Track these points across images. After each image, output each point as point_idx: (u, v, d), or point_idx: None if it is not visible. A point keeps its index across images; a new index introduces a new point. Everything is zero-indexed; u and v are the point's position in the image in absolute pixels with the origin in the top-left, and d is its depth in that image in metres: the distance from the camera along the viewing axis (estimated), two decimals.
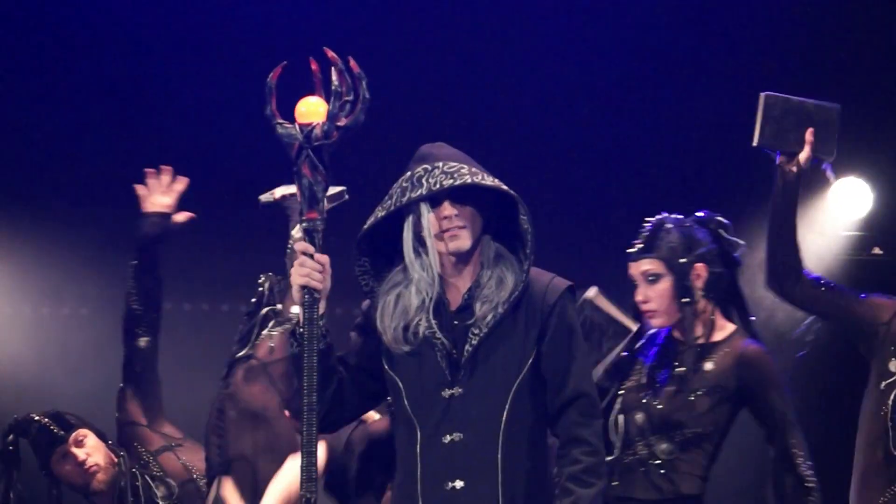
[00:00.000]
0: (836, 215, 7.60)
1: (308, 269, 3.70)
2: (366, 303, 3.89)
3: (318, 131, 3.70)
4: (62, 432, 5.17)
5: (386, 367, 3.83)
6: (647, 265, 4.68)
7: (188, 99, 7.15)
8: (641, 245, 4.71)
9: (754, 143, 4.83)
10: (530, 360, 3.76)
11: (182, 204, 5.40)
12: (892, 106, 7.39)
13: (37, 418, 5.20)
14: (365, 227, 3.80)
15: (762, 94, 4.83)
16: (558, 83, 7.36)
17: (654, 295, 4.68)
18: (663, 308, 4.69)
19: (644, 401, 4.66)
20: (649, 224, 4.74)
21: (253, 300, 5.16)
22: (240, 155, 6.99)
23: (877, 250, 7.55)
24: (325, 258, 3.73)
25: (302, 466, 3.69)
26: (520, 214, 3.77)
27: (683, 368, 4.67)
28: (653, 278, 4.67)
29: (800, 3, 7.37)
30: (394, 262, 3.84)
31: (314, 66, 3.73)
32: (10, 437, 5.17)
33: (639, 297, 4.70)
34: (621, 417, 4.67)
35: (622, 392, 4.70)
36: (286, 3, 7.19)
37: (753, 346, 4.69)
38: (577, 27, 7.36)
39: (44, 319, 7.48)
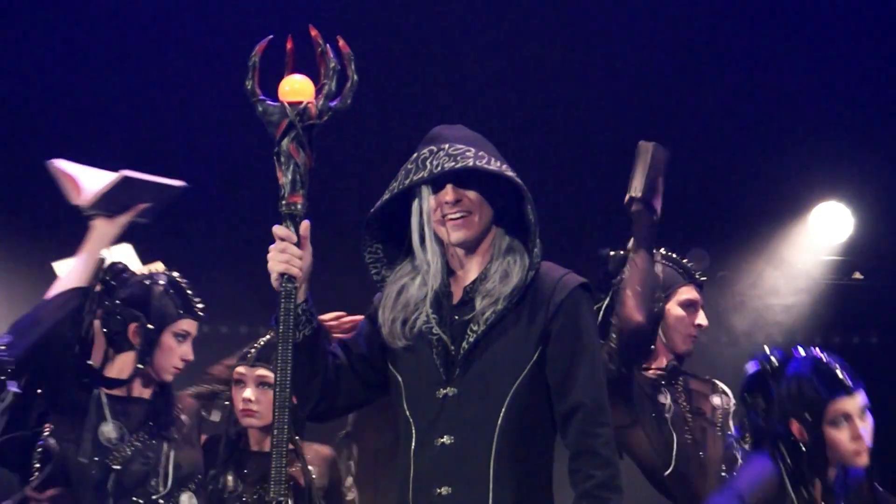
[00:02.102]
0: (816, 240, 7.57)
1: (289, 255, 3.45)
2: (378, 295, 3.65)
3: (311, 109, 3.48)
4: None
5: (388, 363, 3.60)
6: None
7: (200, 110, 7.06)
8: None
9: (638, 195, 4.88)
10: (532, 361, 3.49)
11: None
12: (872, 131, 7.38)
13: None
14: (372, 210, 3.57)
15: (650, 145, 4.91)
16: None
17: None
18: None
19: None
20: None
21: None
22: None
23: (857, 275, 7.53)
24: (305, 234, 3.48)
25: (272, 468, 3.43)
26: (525, 205, 3.51)
27: None
28: None
29: (786, 34, 7.37)
30: (409, 249, 3.60)
31: (290, 45, 3.50)
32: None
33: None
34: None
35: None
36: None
37: None
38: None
39: None
